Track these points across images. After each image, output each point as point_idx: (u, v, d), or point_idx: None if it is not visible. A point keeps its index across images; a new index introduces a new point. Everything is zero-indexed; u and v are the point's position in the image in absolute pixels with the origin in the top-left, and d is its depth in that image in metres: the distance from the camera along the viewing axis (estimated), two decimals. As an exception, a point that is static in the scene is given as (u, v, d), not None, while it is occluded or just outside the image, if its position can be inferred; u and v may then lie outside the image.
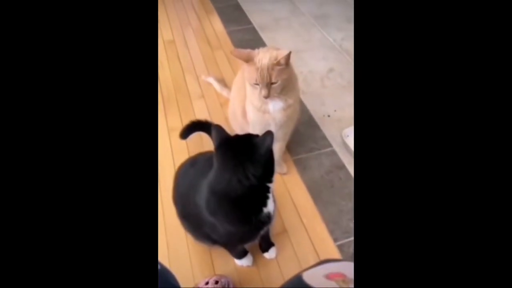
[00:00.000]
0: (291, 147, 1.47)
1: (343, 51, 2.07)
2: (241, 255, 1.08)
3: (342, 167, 1.42)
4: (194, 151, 1.17)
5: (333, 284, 0.46)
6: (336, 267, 0.54)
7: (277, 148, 1.30)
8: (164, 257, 1.12)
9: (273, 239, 1.15)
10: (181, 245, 1.15)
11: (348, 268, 0.50)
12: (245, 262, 1.09)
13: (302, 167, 1.42)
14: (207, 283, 1.01)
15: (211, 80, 1.78)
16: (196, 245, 1.13)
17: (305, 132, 1.56)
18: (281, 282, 1.07)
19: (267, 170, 0.79)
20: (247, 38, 2.16)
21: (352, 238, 1.17)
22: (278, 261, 1.12)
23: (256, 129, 1.20)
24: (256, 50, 1.07)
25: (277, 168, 1.35)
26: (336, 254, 1.14)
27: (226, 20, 2.33)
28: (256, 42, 2.11)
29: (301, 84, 1.57)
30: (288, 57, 1.03)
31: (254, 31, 2.24)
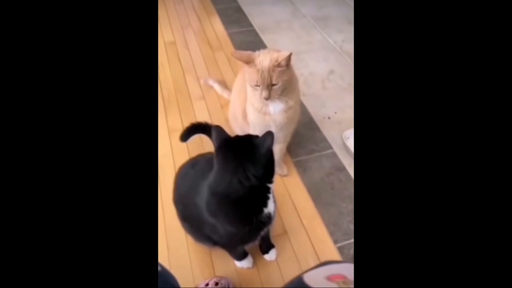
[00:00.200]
0: (291, 149, 1.47)
1: (343, 53, 2.07)
2: (241, 256, 1.07)
3: (343, 169, 1.41)
4: (194, 152, 1.17)
5: (334, 285, 0.46)
6: (337, 268, 0.54)
7: (278, 149, 1.30)
8: (164, 258, 1.12)
9: (273, 241, 1.14)
10: (181, 246, 1.15)
11: (349, 270, 0.50)
12: (245, 263, 1.09)
13: (302, 169, 1.42)
14: (207, 284, 1.00)
15: (211, 82, 1.78)
16: (196, 246, 1.13)
17: (305, 134, 1.56)
18: (281, 283, 1.07)
19: (268, 170, 0.79)
20: (248, 40, 2.17)
21: (352, 240, 1.17)
22: (278, 263, 1.12)
23: (256, 131, 1.20)
24: (257, 52, 1.07)
25: (278, 170, 1.35)
26: (336, 256, 1.14)
27: (227, 22, 2.33)
28: (257, 44, 2.12)
29: (301, 86, 1.57)
30: (288, 58, 1.03)
31: (254, 33, 2.25)
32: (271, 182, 0.83)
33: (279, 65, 1.02)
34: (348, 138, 1.48)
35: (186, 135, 1.16)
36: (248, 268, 1.10)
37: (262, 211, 0.85)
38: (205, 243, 1.04)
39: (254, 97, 1.14)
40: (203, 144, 1.41)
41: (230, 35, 2.20)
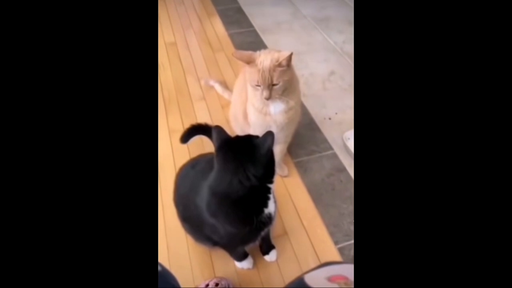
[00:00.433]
0: (292, 150, 1.47)
1: (344, 53, 2.07)
2: (241, 257, 1.07)
3: (343, 170, 1.41)
4: (194, 153, 1.17)
5: (335, 286, 0.46)
6: (338, 269, 0.53)
7: (278, 150, 1.30)
8: (164, 258, 1.12)
9: (273, 241, 1.14)
10: (182, 247, 1.15)
11: (350, 271, 0.50)
12: (245, 264, 1.08)
13: (303, 169, 1.42)
14: (207, 285, 1.00)
15: (212, 82, 1.78)
16: (197, 246, 1.13)
17: (306, 135, 1.55)
18: (281, 284, 1.06)
19: (268, 170, 0.79)
20: (248, 40, 2.17)
21: (353, 241, 1.17)
22: (279, 263, 1.12)
23: (257, 131, 1.20)
24: (258, 52, 1.07)
25: (278, 171, 1.35)
26: (337, 257, 1.13)
27: (228, 23, 2.33)
28: (258, 44, 2.12)
29: (302, 86, 1.57)
30: (289, 58, 1.03)
31: (255, 33, 2.25)
32: (271, 182, 0.83)
33: (280, 65, 1.02)
34: (349, 139, 1.48)
35: (186, 136, 1.16)
36: (248, 268, 1.09)
37: (262, 211, 0.85)
38: (205, 243, 1.04)
39: (254, 97, 1.14)
40: (204, 145, 1.41)
41: (231, 36, 2.20)
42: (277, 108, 1.14)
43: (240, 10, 2.49)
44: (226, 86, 1.77)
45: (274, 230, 1.18)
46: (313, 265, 1.01)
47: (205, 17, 2.41)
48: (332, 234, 1.19)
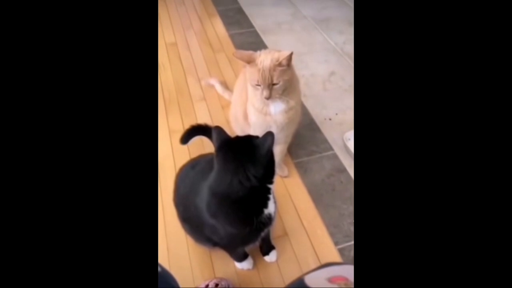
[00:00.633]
0: (292, 150, 1.47)
1: (344, 54, 2.07)
2: (241, 258, 1.07)
3: (343, 170, 1.41)
4: (195, 153, 1.16)
5: (335, 287, 0.46)
6: (339, 270, 0.53)
7: (278, 150, 1.30)
8: (164, 259, 1.11)
9: (273, 242, 1.14)
10: (182, 247, 1.15)
11: (350, 272, 0.49)
12: (245, 265, 1.08)
13: (303, 170, 1.41)
14: (207, 285, 1.00)
15: (213, 81, 1.78)
16: (196, 247, 1.13)
17: (306, 135, 1.55)
18: (281, 285, 1.06)
19: (268, 171, 0.79)
20: (249, 41, 2.17)
21: (353, 242, 1.16)
22: (279, 264, 1.11)
23: (257, 132, 1.19)
24: (258, 52, 1.07)
25: (278, 171, 1.35)
26: (337, 258, 1.13)
27: (228, 23, 2.33)
28: (258, 45, 2.11)
29: (302, 87, 1.57)
30: (289, 58, 1.03)
31: (256, 34, 2.25)
32: (271, 183, 0.83)
33: (280, 64, 1.02)
34: (349, 139, 1.48)
35: (186, 137, 1.16)
36: (248, 269, 1.09)
37: (262, 212, 0.84)
38: (205, 244, 1.04)
39: (255, 97, 1.14)
40: (204, 145, 1.41)
41: (231, 36, 2.20)
42: (277, 108, 1.14)
43: (240, 11, 2.49)
44: (226, 86, 1.77)
45: (274, 230, 1.18)
46: (313, 266, 1.01)
47: (205, 18, 2.41)
48: (332, 235, 1.19)
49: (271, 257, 1.11)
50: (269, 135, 0.76)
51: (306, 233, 1.20)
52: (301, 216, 1.25)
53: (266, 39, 2.20)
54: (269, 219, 0.88)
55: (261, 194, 0.83)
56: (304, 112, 1.61)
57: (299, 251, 1.15)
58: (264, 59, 1.03)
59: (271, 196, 0.86)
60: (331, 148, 1.50)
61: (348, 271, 0.50)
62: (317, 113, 1.68)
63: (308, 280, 0.50)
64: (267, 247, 1.11)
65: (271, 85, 1.04)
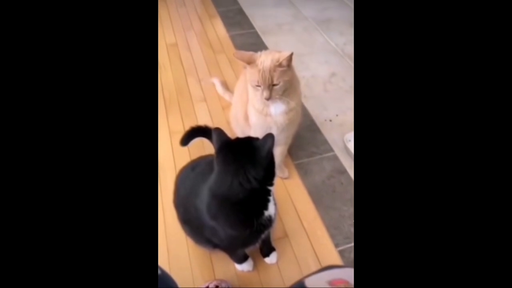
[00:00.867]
0: (292, 152, 1.47)
1: (345, 55, 2.07)
2: (241, 259, 1.07)
3: (344, 172, 1.41)
4: (195, 155, 1.16)
5: (336, 290, 0.46)
6: (339, 273, 0.53)
7: (279, 152, 1.29)
8: (164, 261, 1.11)
9: (274, 244, 1.14)
10: (182, 249, 1.15)
11: (351, 275, 0.49)
12: (245, 267, 1.08)
13: (303, 171, 1.41)
14: (207, 287, 1.00)
15: (214, 80, 1.78)
16: (197, 249, 1.12)
17: (306, 137, 1.55)
18: (281, 286, 1.06)
19: (268, 172, 0.79)
20: (249, 42, 2.17)
21: (353, 244, 1.16)
22: (279, 266, 1.11)
23: (257, 133, 1.19)
24: (259, 53, 1.07)
25: (279, 173, 1.35)
26: (337, 260, 1.13)
27: (229, 24, 2.33)
28: (259, 46, 2.11)
29: (303, 88, 1.56)
30: (290, 58, 1.03)
31: (256, 35, 2.25)
32: (271, 184, 0.83)
33: (280, 65, 1.02)
34: (350, 140, 1.48)
35: (186, 139, 1.15)
36: (248, 271, 1.09)
37: (262, 213, 0.84)
38: (205, 246, 1.03)
39: (255, 98, 1.14)
40: (204, 146, 1.41)
41: (232, 37, 2.20)
42: (277, 109, 1.14)
43: (241, 12, 2.49)
44: (227, 87, 1.77)
45: (275, 232, 1.18)
46: (313, 268, 1.01)
47: (206, 19, 2.41)
48: (332, 237, 1.19)
49: (271, 259, 1.11)
50: (269, 136, 0.75)
51: (306, 235, 1.20)
52: (302, 217, 1.25)
53: (266, 40, 2.20)
54: (270, 221, 0.87)
55: (262, 196, 0.83)
56: (305, 113, 1.61)
57: (299, 253, 1.15)
58: (265, 59, 1.03)
59: (271, 198, 0.86)
60: (331, 150, 1.50)
61: (348, 274, 0.50)
62: (318, 114, 1.67)
63: (308, 283, 0.50)
64: (267, 249, 1.11)
65: (271, 86, 1.04)
